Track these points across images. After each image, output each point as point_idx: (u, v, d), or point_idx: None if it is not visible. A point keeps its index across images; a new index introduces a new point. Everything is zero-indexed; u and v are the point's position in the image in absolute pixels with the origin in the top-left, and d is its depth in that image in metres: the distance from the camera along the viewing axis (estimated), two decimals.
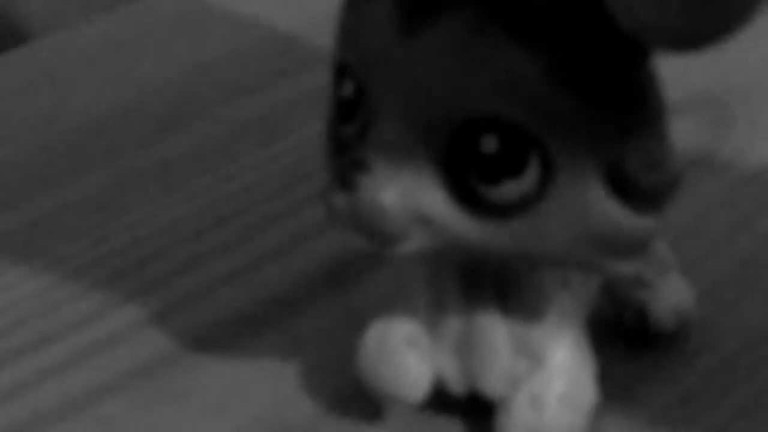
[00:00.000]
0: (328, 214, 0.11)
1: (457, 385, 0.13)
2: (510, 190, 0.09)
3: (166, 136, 0.31)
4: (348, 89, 0.10)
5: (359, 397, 0.16)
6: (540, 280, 0.12)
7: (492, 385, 0.12)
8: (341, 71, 0.11)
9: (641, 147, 0.10)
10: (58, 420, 0.18)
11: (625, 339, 0.18)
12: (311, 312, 0.21)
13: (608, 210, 0.10)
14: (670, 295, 0.16)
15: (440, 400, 0.15)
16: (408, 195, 0.09)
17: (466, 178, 0.10)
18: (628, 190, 0.10)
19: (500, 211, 0.09)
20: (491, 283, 0.12)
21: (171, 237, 0.26)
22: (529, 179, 0.09)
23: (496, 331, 0.12)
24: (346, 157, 0.10)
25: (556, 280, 0.12)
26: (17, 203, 0.27)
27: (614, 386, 0.17)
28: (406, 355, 0.13)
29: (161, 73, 0.35)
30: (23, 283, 0.24)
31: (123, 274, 0.24)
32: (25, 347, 0.21)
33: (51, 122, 0.32)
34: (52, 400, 0.18)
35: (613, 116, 0.09)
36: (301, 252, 0.24)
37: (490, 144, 0.09)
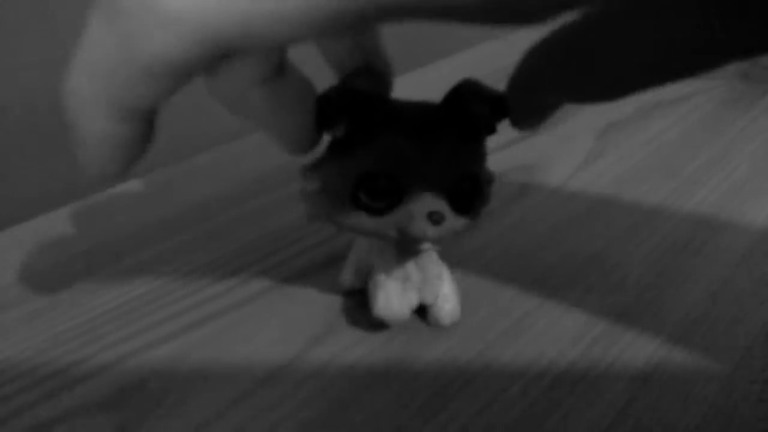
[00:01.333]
0: (405, 238, 0.19)
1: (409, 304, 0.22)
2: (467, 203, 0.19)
3: None
4: (384, 184, 0.18)
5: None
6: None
7: (427, 297, 0.22)
8: (373, 175, 0.18)
9: (488, 172, 0.21)
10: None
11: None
12: None
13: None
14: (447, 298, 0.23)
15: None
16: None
17: (459, 201, 0.19)
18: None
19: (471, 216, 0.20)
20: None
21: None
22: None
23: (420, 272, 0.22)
24: (396, 206, 0.19)
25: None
26: None
27: None
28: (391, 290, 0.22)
29: None
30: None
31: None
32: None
33: None
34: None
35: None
36: None
37: (466, 185, 0.19)
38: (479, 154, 0.20)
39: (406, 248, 0.21)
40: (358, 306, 0.24)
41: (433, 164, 0.18)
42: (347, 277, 0.24)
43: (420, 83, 0.44)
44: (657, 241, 0.27)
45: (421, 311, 0.23)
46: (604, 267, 0.26)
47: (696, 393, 0.20)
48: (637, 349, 0.22)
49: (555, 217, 0.29)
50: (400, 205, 0.18)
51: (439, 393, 0.21)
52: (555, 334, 0.23)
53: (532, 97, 0.17)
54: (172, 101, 0.14)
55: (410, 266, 0.22)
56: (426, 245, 0.19)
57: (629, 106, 0.39)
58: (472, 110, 0.18)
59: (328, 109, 0.17)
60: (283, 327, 0.23)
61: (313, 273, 0.26)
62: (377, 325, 0.23)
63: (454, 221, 0.18)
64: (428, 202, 0.18)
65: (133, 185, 0.33)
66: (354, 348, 0.22)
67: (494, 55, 0.47)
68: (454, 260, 0.27)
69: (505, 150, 0.35)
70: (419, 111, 0.19)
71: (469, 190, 0.19)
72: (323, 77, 0.19)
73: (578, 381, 0.21)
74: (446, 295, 0.23)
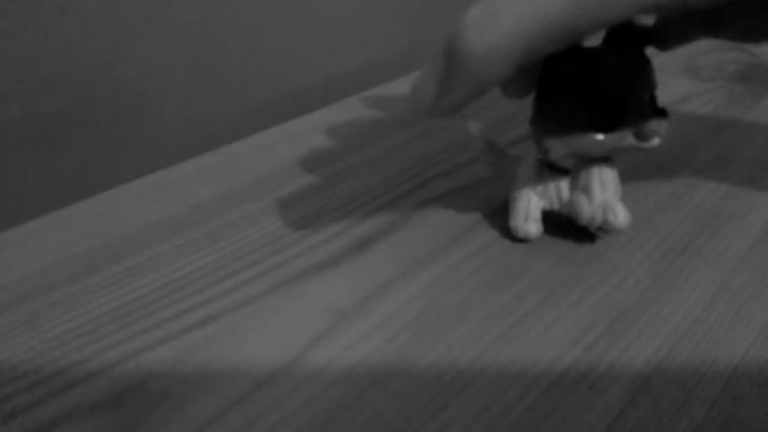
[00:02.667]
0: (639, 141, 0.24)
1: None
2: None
3: None
4: (610, 103, 0.24)
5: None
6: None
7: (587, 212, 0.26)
8: (604, 97, 0.24)
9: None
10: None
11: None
12: None
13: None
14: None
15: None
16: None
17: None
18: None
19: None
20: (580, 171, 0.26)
21: None
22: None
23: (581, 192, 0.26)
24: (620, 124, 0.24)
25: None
26: None
27: None
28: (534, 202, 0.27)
29: None
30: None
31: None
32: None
33: None
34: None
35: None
36: None
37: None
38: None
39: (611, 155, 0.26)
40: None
41: (637, 88, 0.24)
42: (525, 225, 0.27)
43: None
44: (657, 242, 0.27)
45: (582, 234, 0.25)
46: (604, 267, 0.26)
47: (696, 393, 0.20)
48: (637, 350, 0.22)
49: (554, 216, 0.29)
50: (626, 122, 0.24)
51: (439, 394, 0.21)
52: (555, 335, 0.23)
53: (674, 30, 0.24)
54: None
55: (594, 180, 0.26)
56: (654, 141, 0.24)
57: None
58: (633, 42, 0.24)
59: (561, 63, 0.24)
60: (283, 328, 0.23)
61: (313, 273, 0.26)
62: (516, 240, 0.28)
63: (662, 124, 0.24)
64: (640, 114, 0.24)
65: (133, 186, 0.33)
66: (354, 349, 0.22)
67: None
68: (454, 260, 0.27)
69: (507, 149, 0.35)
70: (607, 51, 0.24)
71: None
72: None
73: (578, 382, 0.21)
74: (617, 205, 0.26)
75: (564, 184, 0.27)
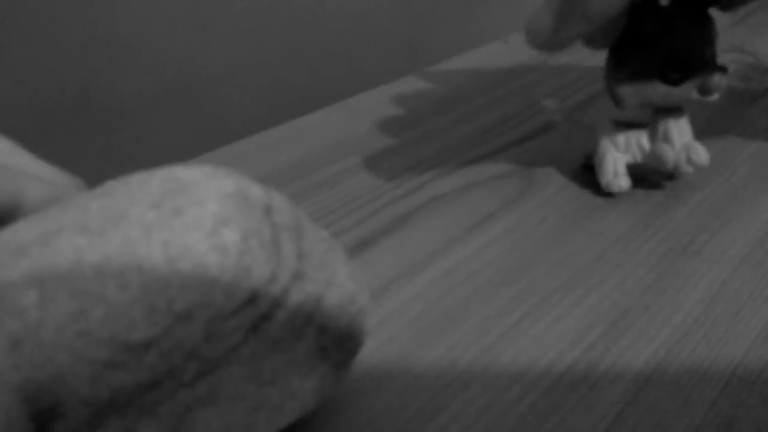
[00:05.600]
0: (704, 93, 0.27)
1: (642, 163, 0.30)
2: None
3: None
4: (680, 58, 0.27)
5: None
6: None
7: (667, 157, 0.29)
8: (674, 52, 0.27)
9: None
10: None
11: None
12: None
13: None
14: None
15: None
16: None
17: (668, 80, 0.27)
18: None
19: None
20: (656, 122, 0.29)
21: None
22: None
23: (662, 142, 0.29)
24: (689, 76, 0.27)
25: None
26: None
27: None
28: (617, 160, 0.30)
29: None
30: None
31: None
32: None
33: None
34: None
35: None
36: None
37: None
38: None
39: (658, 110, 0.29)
40: None
41: (703, 46, 0.27)
42: (615, 179, 0.30)
43: (423, 84, 0.44)
44: (657, 242, 0.27)
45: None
46: (605, 268, 0.26)
47: (696, 393, 0.20)
48: (637, 351, 0.22)
49: (555, 218, 0.29)
50: (692, 75, 0.27)
51: (439, 395, 0.21)
52: (555, 336, 0.23)
53: None
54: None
55: (684, 127, 0.29)
56: (715, 95, 0.27)
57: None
58: (701, 2, 0.27)
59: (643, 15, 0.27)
60: None
61: None
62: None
63: (723, 80, 0.27)
64: (705, 69, 0.27)
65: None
66: None
67: (496, 57, 0.48)
68: (454, 260, 0.27)
69: (506, 151, 0.35)
70: (678, 10, 0.27)
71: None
72: None
73: (578, 382, 0.21)
74: (698, 146, 0.29)
75: (644, 138, 0.29)
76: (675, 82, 0.27)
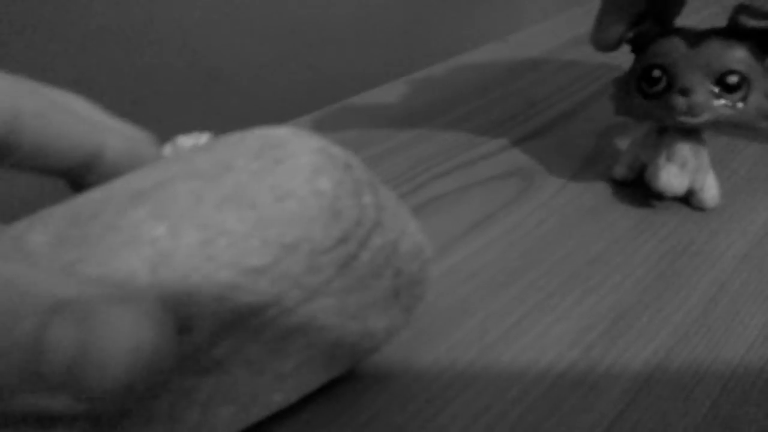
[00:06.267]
0: (667, 112, 0.26)
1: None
2: (738, 96, 0.25)
3: None
4: (657, 73, 0.26)
5: None
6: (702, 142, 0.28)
7: (696, 182, 0.29)
8: (651, 66, 0.27)
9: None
10: None
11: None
12: None
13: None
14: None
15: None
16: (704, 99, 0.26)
17: (722, 91, 0.25)
18: None
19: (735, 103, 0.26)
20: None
21: None
22: (742, 93, 0.25)
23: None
24: (668, 92, 0.26)
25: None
26: None
27: None
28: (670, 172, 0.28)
29: None
30: None
31: None
32: None
33: None
34: None
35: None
36: None
37: (732, 79, 0.25)
38: (754, 61, 0.25)
39: (674, 128, 0.28)
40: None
41: (699, 60, 0.25)
42: (621, 170, 0.31)
43: (422, 84, 0.44)
44: (657, 242, 0.27)
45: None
46: (605, 268, 0.26)
47: (696, 393, 0.20)
48: (637, 350, 0.22)
49: (555, 218, 0.29)
50: (670, 92, 0.26)
51: (439, 395, 0.21)
52: (554, 336, 0.23)
53: None
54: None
55: (688, 155, 0.28)
56: (690, 120, 0.26)
57: None
58: (743, 23, 0.25)
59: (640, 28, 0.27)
60: None
61: None
62: (656, 196, 0.30)
63: (718, 106, 0.25)
64: (700, 89, 0.25)
65: None
66: None
67: (496, 57, 0.48)
68: (454, 260, 0.27)
69: (506, 152, 0.35)
70: (699, 30, 0.26)
71: (733, 84, 0.25)
72: None
73: (578, 383, 0.21)
74: (710, 183, 0.29)
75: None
76: (649, 97, 0.27)
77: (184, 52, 0.39)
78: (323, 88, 0.47)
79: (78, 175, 0.18)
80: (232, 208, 0.15)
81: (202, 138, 0.22)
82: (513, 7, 0.56)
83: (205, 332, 0.15)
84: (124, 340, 0.12)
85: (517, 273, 0.26)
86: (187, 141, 0.22)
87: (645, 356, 0.22)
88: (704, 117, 0.25)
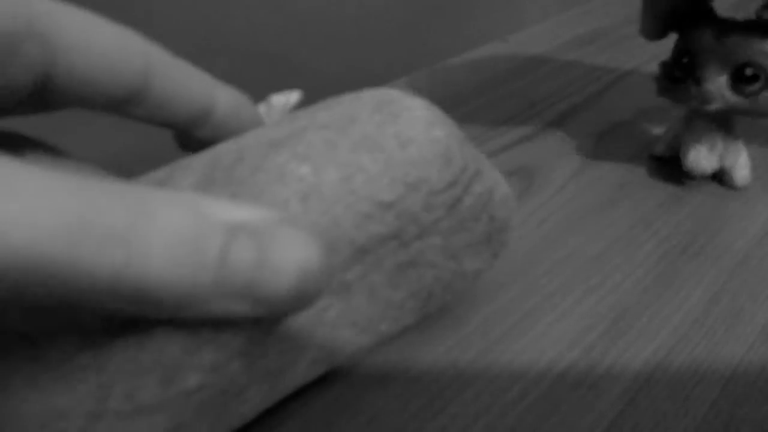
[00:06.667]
0: (686, 98, 0.28)
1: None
2: (754, 87, 0.27)
3: None
4: (684, 59, 0.28)
5: None
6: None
7: (726, 161, 0.30)
8: (680, 53, 0.29)
9: None
10: None
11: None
12: None
13: None
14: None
15: None
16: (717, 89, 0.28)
17: (739, 83, 0.27)
18: None
19: (749, 95, 0.27)
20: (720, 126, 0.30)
21: None
22: (759, 84, 0.27)
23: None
24: (688, 78, 0.28)
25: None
26: None
27: None
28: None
29: None
30: None
31: None
32: None
33: None
34: None
35: None
36: None
37: (748, 71, 0.27)
38: None
39: (703, 111, 0.29)
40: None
41: (721, 51, 0.27)
42: (660, 146, 0.33)
43: (423, 84, 0.44)
44: (657, 242, 0.27)
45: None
46: (605, 268, 0.26)
47: (696, 393, 0.20)
48: (637, 350, 0.22)
49: (555, 218, 0.29)
50: (688, 79, 0.28)
51: (439, 395, 0.21)
52: (554, 336, 0.23)
53: None
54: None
55: (717, 137, 0.30)
56: (703, 107, 0.28)
57: (629, 108, 0.39)
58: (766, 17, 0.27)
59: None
60: None
61: None
62: (685, 176, 0.31)
63: (729, 96, 0.27)
64: (713, 78, 0.27)
65: None
66: None
67: (496, 57, 0.48)
68: None
69: (506, 152, 0.35)
70: (731, 21, 0.28)
71: (749, 75, 0.27)
72: None
73: (578, 383, 0.21)
74: (742, 163, 0.30)
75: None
76: (677, 82, 0.28)
77: (184, 51, 0.39)
78: (323, 88, 0.47)
79: (190, 129, 0.19)
80: (364, 152, 0.17)
81: (294, 95, 0.25)
82: (513, 7, 0.56)
83: (344, 255, 0.17)
84: (295, 257, 0.14)
85: (517, 273, 0.26)
86: (279, 99, 0.24)
87: (645, 356, 0.22)
88: (716, 105, 0.27)
